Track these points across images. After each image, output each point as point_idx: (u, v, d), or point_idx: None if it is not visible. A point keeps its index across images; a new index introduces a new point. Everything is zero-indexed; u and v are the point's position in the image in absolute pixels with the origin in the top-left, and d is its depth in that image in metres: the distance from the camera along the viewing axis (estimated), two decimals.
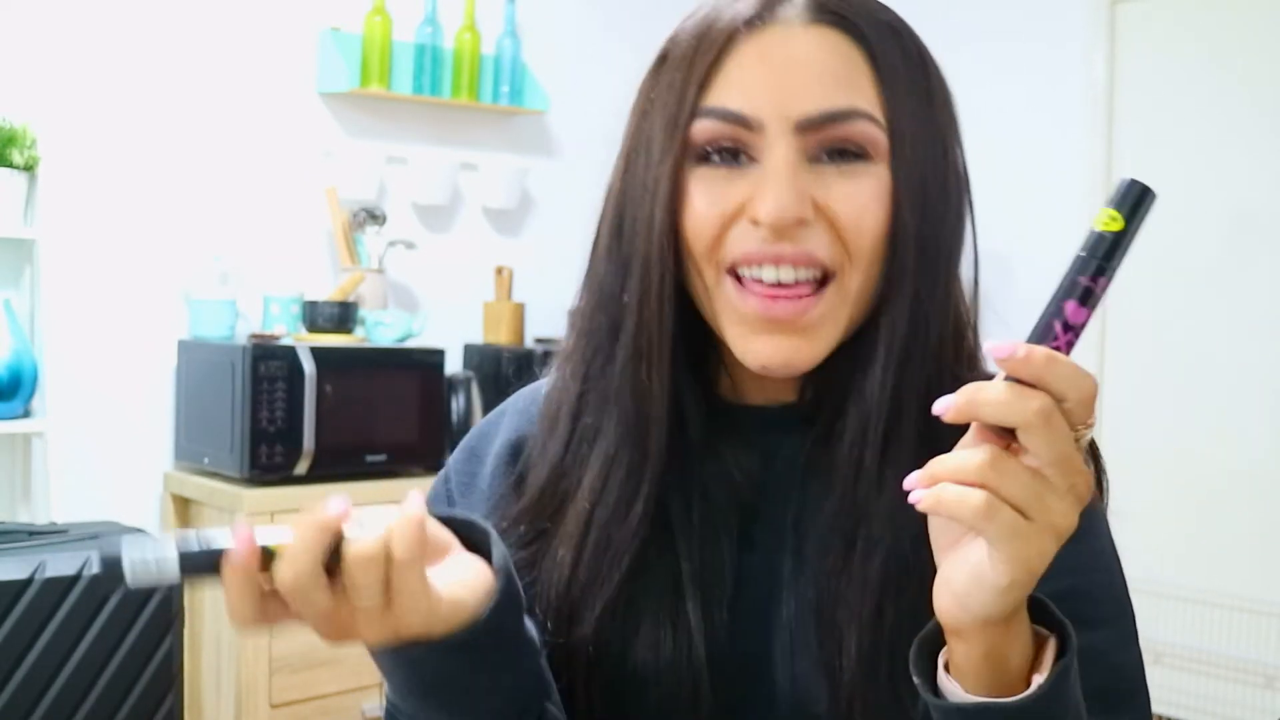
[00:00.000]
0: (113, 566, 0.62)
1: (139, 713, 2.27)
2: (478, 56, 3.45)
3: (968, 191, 0.81)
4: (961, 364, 0.80)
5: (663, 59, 0.80)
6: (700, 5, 0.80)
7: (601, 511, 0.79)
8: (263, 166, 3.21)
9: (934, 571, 0.66)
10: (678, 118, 0.76)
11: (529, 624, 0.74)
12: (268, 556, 0.64)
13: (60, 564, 2.22)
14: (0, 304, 2.73)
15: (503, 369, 3.32)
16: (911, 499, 0.62)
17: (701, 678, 0.77)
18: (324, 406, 2.84)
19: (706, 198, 0.76)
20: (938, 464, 0.62)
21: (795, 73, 0.75)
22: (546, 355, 3.49)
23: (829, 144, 0.75)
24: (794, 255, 0.74)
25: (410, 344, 3.15)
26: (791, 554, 0.80)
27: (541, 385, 0.90)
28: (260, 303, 3.12)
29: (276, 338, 2.90)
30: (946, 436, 0.64)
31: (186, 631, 2.47)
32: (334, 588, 0.64)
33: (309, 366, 2.82)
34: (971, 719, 0.65)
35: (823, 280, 0.75)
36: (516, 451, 0.87)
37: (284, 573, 0.63)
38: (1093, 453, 0.80)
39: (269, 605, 0.64)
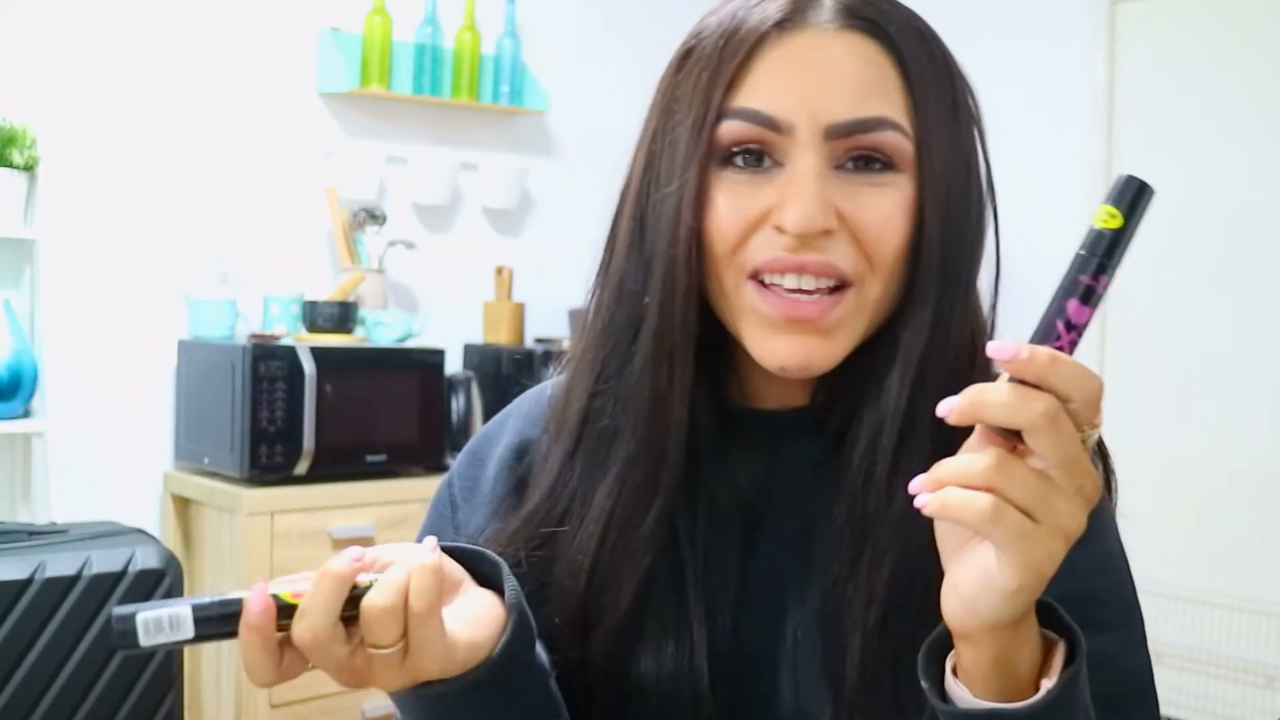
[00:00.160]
0: (126, 624, 0.61)
1: (139, 713, 2.26)
2: (478, 56, 3.45)
3: (991, 200, 0.80)
4: (976, 372, 0.79)
5: (685, 55, 0.79)
6: (723, 2, 0.79)
7: (619, 516, 0.78)
8: (263, 166, 3.21)
9: (941, 579, 0.66)
10: (704, 118, 0.75)
11: (540, 649, 0.74)
12: (283, 611, 0.63)
13: (60, 564, 2.21)
14: (0, 304, 2.73)
15: (503, 369, 3.32)
16: (917, 503, 0.61)
17: (703, 684, 0.77)
18: (324, 406, 2.84)
19: (731, 202, 0.75)
20: (943, 467, 0.61)
21: (825, 78, 0.74)
22: (547, 355, 3.48)
23: (855, 151, 0.74)
24: (817, 265, 0.73)
25: (410, 344, 3.15)
26: (797, 560, 0.80)
27: (546, 387, 0.89)
28: (260, 303, 3.12)
29: (276, 338, 2.90)
30: (958, 445, 0.63)
31: None
32: (351, 638, 0.64)
33: (309, 366, 2.82)
34: None
35: (842, 285, 0.75)
36: (520, 455, 0.86)
37: (301, 632, 0.63)
38: (1100, 452, 0.80)
39: (285, 657, 0.65)
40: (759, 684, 0.79)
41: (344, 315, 3.03)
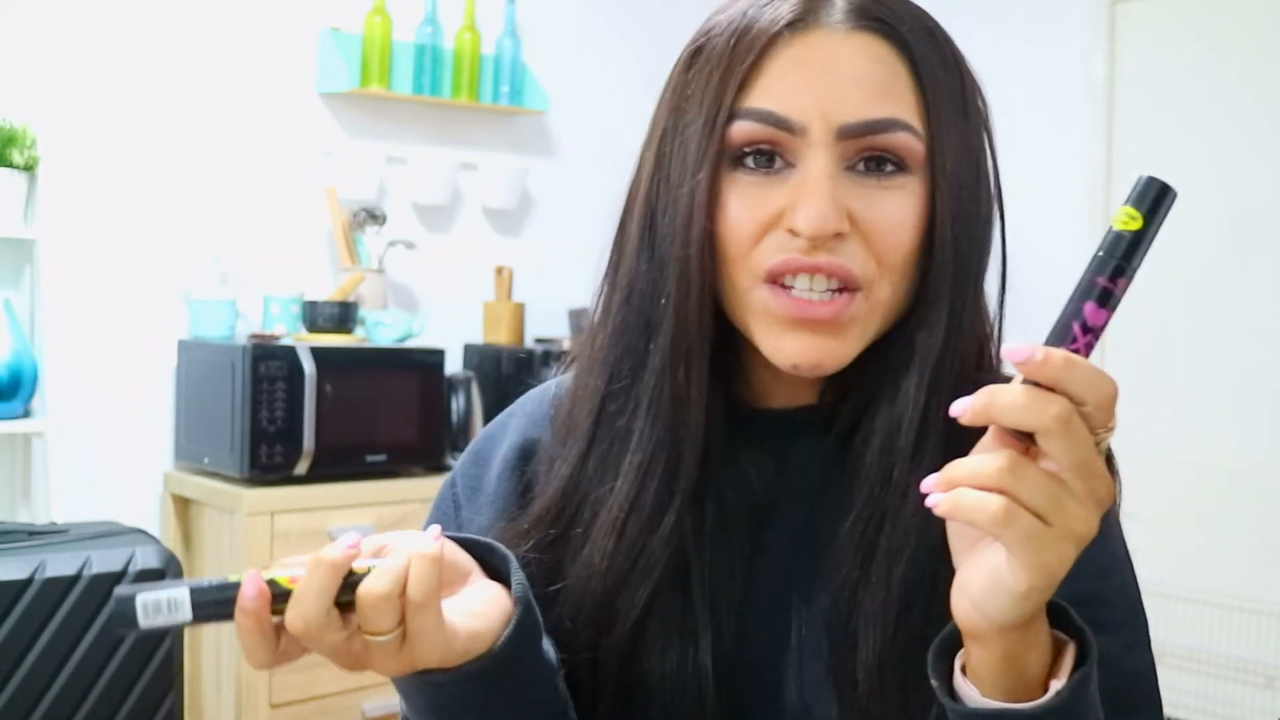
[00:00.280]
0: (126, 606, 0.62)
1: (139, 713, 2.26)
2: (478, 56, 3.45)
3: (999, 200, 0.80)
4: (983, 370, 0.79)
5: (695, 53, 0.78)
6: (731, 0, 0.78)
7: (636, 518, 0.78)
8: (263, 166, 3.21)
9: (951, 578, 0.66)
10: (715, 119, 0.75)
11: (547, 646, 0.74)
12: (280, 596, 0.63)
13: (60, 564, 2.21)
14: (0, 304, 2.73)
15: (503, 369, 3.32)
16: (929, 502, 0.61)
17: (707, 683, 0.77)
18: (324, 406, 2.84)
19: (743, 204, 0.75)
20: (955, 468, 0.61)
21: (837, 79, 0.73)
22: (547, 355, 3.48)
23: (866, 152, 0.74)
24: (830, 267, 0.73)
25: (410, 344, 3.15)
26: (804, 560, 0.80)
27: (550, 386, 0.89)
28: (260, 303, 3.12)
29: (276, 338, 2.90)
30: (970, 445, 0.63)
31: (186, 631, 2.46)
32: (348, 623, 0.64)
33: (309, 366, 2.82)
34: None
35: (852, 287, 0.74)
36: (524, 455, 0.86)
37: (294, 620, 0.63)
38: (1106, 455, 0.79)
39: (283, 641, 0.64)
40: (764, 684, 0.79)
41: (344, 315, 3.03)
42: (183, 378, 3.01)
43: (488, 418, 3.22)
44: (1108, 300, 0.59)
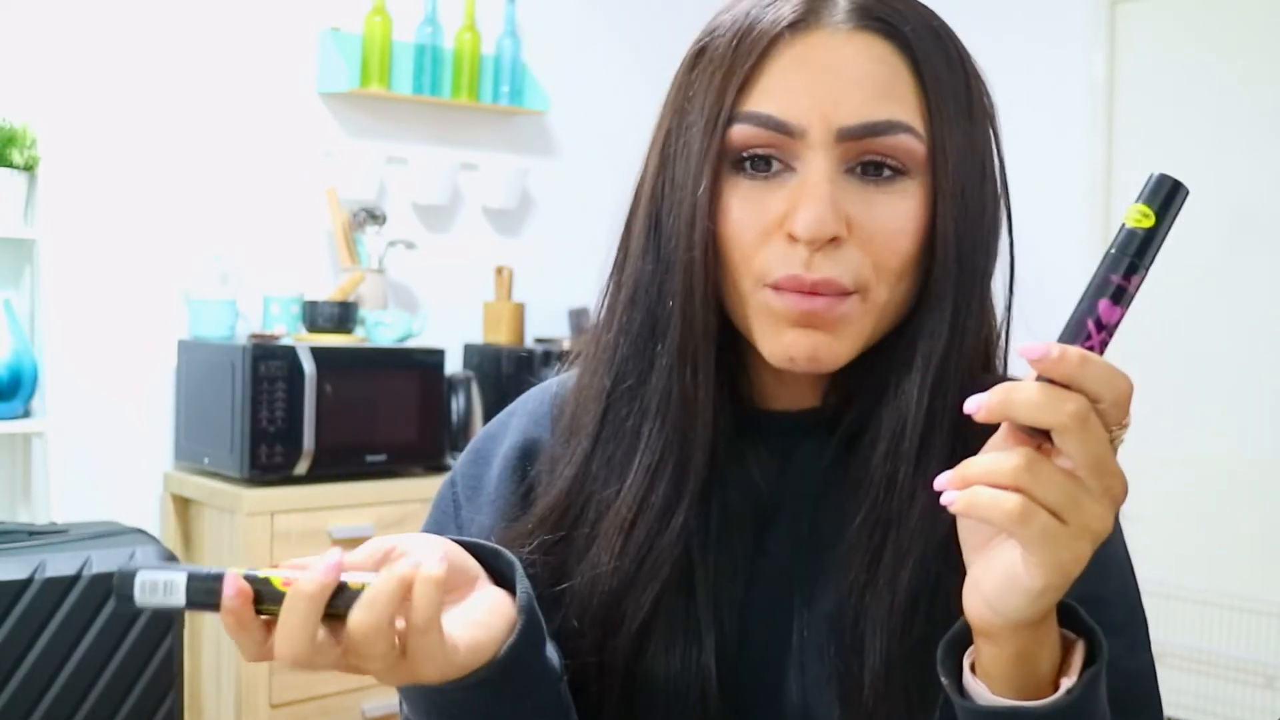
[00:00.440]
0: (126, 581, 0.62)
1: (139, 713, 2.26)
2: (478, 56, 3.45)
3: (1006, 201, 0.79)
4: (989, 373, 0.79)
5: (699, 53, 0.78)
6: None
7: (644, 520, 0.77)
8: (263, 166, 3.21)
9: (959, 580, 0.66)
10: (716, 121, 0.74)
11: (550, 652, 0.74)
12: (270, 597, 0.62)
13: (60, 564, 2.21)
14: (0, 304, 2.73)
15: (503, 369, 3.32)
16: (944, 500, 0.61)
17: (710, 683, 0.77)
18: (324, 406, 2.84)
19: (744, 208, 0.74)
20: (970, 466, 0.61)
21: (838, 80, 0.73)
22: (547, 355, 3.48)
23: (866, 155, 0.74)
24: (825, 286, 0.72)
25: (410, 344, 3.15)
26: (807, 562, 0.79)
27: (551, 385, 0.89)
28: (260, 303, 3.12)
29: (276, 338, 2.90)
30: (976, 446, 0.63)
31: (186, 631, 2.47)
32: (341, 639, 0.63)
33: (309, 366, 2.82)
34: None
35: (845, 293, 0.74)
36: (525, 454, 0.85)
37: (281, 653, 0.62)
38: None
39: (271, 638, 0.63)
40: (765, 685, 0.79)
41: (344, 315, 3.03)
42: (183, 378, 3.01)
43: (488, 418, 3.22)
44: (1121, 297, 0.59)
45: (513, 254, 3.63)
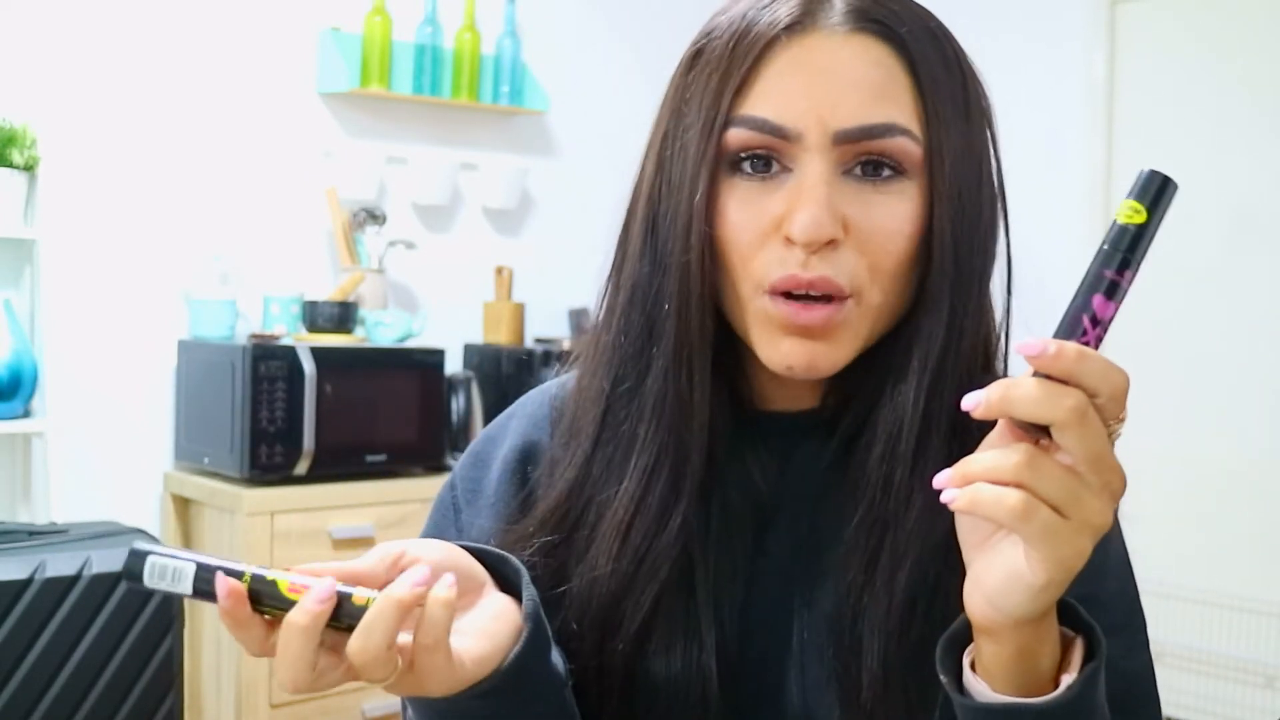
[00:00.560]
0: (136, 562, 0.63)
1: (139, 713, 2.26)
2: (478, 56, 3.45)
3: (1002, 202, 0.79)
4: (989, 374, 0.79)
5: (696, 55, 0.78)
6: (733, 0, 0.78)
7: (641, 522, 0.77)
8: (263, 166, 3.21)
9: (957, 581, 0.66)
10: (713, 124, 0.74)
11: (555, 658, 0.74)
12: (272, 600, 0.62)
13: (60, 564, 2.21)
14: (0, 304, 2.73)
15: (503, 369, 3.32)
16: (945, 498, 0.61)
17: (711, 684, 0.77)
18: (324, 406, 2.84)
19: (741, 211, 0.74)
20: (971, 463, 0.61)
21: (834, 83, 0.73)
22: (547, 355, 3.48)
23: (863, 157, 0.74)
24: (822, 285, 0.73)
25: (410, 344, 3.15)
26: (806, 563, 0.80)
27: (551, 387, 0.89)
28: (260, 303, 3.12)
29: (276, 338, 2.90)
30: (974, 447, 0.63)
31: (186, 631, 2.47)
32: (344, 654, 0.63)
33: (309, 366, 2.82)
34: (1000, 719, 0.65)
35: (841, 296, 0.74)
36: (524, 457, 0.85)
37: (283, 682, 0.62)
38: None
39: (273, 635, 0.63)
40: (765, 685, 0.79)
41: (344, 315, 3.03)
42: (183, 378, 3.01)
43: (488, 418, 3.22)
44: (1115, 292, 0.60)
45: (513, 254, 3.63)
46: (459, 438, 3.14)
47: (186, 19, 3.06)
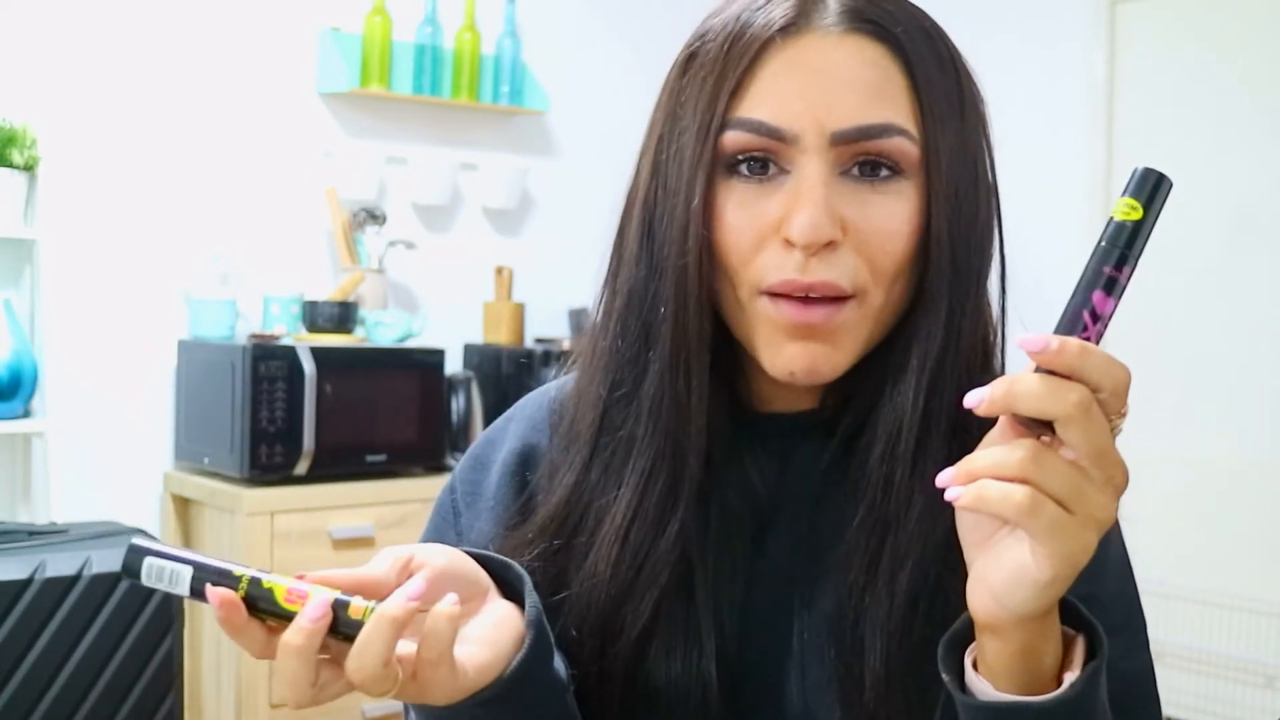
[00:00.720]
0: (134, 560, 0.63)
1: (139, 713, 2.26)
2: (478, 56, 3.45)
3: (997, 201, 0.79)
4: (988, 373, 0.79)
5: (690, 58, 0.78)
6: (727, 2, 0.78)
7: (639, 527, 0.77)
8: (263, 166, 3.21)
9: (958, 582, 0.66)
10: (709, 127, 0.74)
11: (558, 664, 0.74)
12: (268, 606, 0.62)
13: (60, 564, 2.22)
14: (0, 304, 2.73)
15: (503, 369, 3.32)
16: (949, 495, 0.61)
17: (711, 686, 0.76)
18: (324, 406, 2.84)
19: (739, 213, 0.74)
20: (975, 460, 0.61)
21: (830, 84, 0.73)
22: (547, 355, 3.48)
23: (861, 157, 0.73)
24: (822, 287, 0.72)
25: (410, 344, 3.15)
26: (806, 564, 0.79)
27: (550, 389, 0.88)
28: (260, 303, 3.12)
29: (276, 338, 2.90)
30: (974, 446, 0.63)
31: (186, 631, 2.47)
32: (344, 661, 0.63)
33: (309, 366, 2.82)
34: (1003, 717, 0.65)
35: (842, 297, 0.74)
36: (523, 460, 0.85)
37: (284, 697, 0.63)
38: None
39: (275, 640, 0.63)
40: (766, 687, 0.79)
41: (344, 315, 3.03)
42: (183, 378, 3.01)
43: (488, 418, 3.22)
44: (1114, 288, 0.60)
45: (513, 254, 3.63)
46: (459, 438, 3.14)
47: (186, 19, 3.06)
